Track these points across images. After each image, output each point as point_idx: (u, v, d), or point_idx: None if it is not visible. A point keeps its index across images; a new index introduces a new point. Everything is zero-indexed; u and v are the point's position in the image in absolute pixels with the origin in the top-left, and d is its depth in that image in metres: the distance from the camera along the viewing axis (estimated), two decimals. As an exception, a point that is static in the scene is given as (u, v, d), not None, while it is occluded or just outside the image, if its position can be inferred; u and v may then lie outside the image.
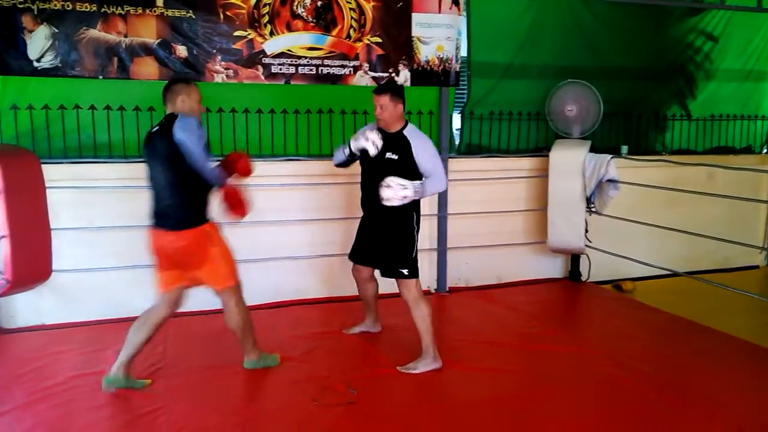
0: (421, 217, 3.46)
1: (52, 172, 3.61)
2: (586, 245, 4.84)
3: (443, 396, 3.14)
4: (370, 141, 3.26)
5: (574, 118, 4.88)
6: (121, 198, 3.97)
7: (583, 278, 5.18)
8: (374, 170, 3.30)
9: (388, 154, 3.28)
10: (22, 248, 3.32)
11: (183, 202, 2.99)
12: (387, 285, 3.61)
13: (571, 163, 4.72)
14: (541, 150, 5.16)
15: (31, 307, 3.97)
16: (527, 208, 5.11)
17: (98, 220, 4.01)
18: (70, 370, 3.30)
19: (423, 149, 3.28)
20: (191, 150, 2.85)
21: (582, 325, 4.44)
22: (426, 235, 4.84)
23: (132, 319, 3.16)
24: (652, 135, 5.77)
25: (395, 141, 3.30)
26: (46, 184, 3.43)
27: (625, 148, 5.31)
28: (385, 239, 3.41)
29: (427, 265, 4.88)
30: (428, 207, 4.79)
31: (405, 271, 3.35)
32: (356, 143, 3.33)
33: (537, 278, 5.21)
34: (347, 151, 3.41)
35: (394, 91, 3.34)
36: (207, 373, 3.28)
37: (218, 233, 3.12)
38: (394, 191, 3.15)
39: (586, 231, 4.79)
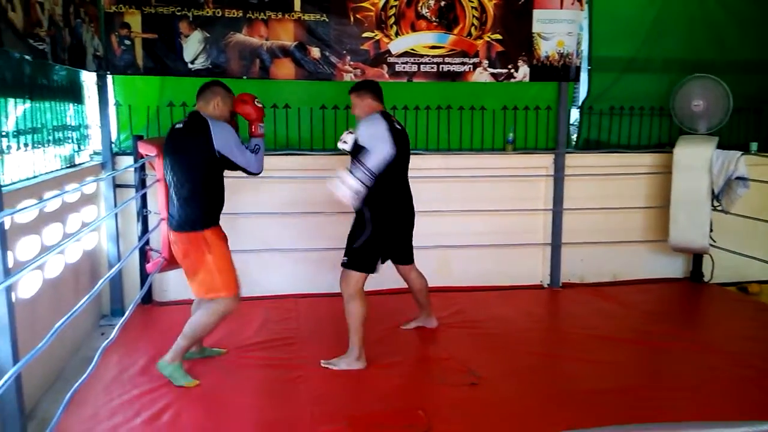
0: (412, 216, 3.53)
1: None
2: (710, 245, 4.68)
3: (561, 384, 3.20)
4: (341, 141, 3.36)
5: (701, 114, 4.73)
6: (256, 188, 4.33)
7: (706, 279, 5.01)
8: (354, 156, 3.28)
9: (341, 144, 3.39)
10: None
11: (190, 204, 2.97)
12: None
13: (697, 159, 4.58)
14: (663, 146, 5.04)
15: (182, 283, 4.42)
16: (647, 205, 5.01)
17: (235, 207, 4.40)
18: (213, 342, 3.68)
19: (362, 128, 3.25)
20: (238, 160, 2.98)
21: (704, 325, 4.33)
22: (540, 230, 4.89)
23: (266, 297, 3.46)
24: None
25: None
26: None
27: (754, 145, 5.05)
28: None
29: (540, 259, 4.93)
30: (543, 202, 4.85)
31: (345, 259, 3.30)
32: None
33: (655, 277, 5.09)
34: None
35: (358, 88, 3.41)
36: (336, 349, 3.55)
37: (219, 241, 3.06)
38: (338, 188, 3.07)
39: (711, 230, 4.64)
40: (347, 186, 3.05)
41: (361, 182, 3.05)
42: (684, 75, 4.81)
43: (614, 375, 3.28)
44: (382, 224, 3.30)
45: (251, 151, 3.04)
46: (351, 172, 3.08)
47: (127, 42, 3.95)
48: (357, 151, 3.20)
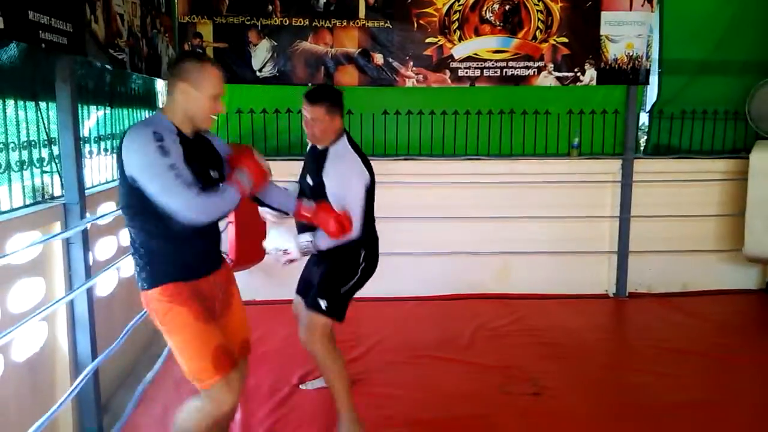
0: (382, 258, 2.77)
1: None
2: (790, 255, 4.44)
3: (628, 397, 3.11)
4: (286, 253, 2.60)
5: (780, 118, 4.50)
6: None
7: (784, 292, 4.75)
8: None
9: (308, 178, 2.65)
10: (244, 233, 3.86)
11: (135, 247, 2.01)
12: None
13: (775, 165, 4.36)
14: (739, 151, 4.81)
15: (245, 285, 4.54)
16: (720, 213, 4.79)
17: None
18: (279, 341, 3.77)
19: (334, 171, 2.54)
20: (159, 197, 1.83)
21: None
22: (606, 237, 4.77)
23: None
24: None
25: (319, 160, 2.60)
26: (264, 178, 3.94)
27: (839, 151, 4.76)
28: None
29: (606, 267, 4.80)
30: (609, 209, 4.72)
31: (324, 303, 2.60)
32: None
33: (728, 288, 4.86)
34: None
35: (325, 99, 2.58)
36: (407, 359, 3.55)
37: (171, 309, 1.96)
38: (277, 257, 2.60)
39: (791, 240, 4.40)
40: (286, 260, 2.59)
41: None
42: (761, 78, 4.58)
43: (684, 390, 3.15)
44: (372, 265, 2.74)
45: (189, 187, 1.83)
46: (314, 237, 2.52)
47: (200, 51, 4.10)
48: (319, 193, 2.54)
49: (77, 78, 2.70)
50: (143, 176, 1.83)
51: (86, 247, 2.61)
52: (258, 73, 4.18)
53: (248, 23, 4.12)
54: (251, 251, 4.01)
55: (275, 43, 4.15)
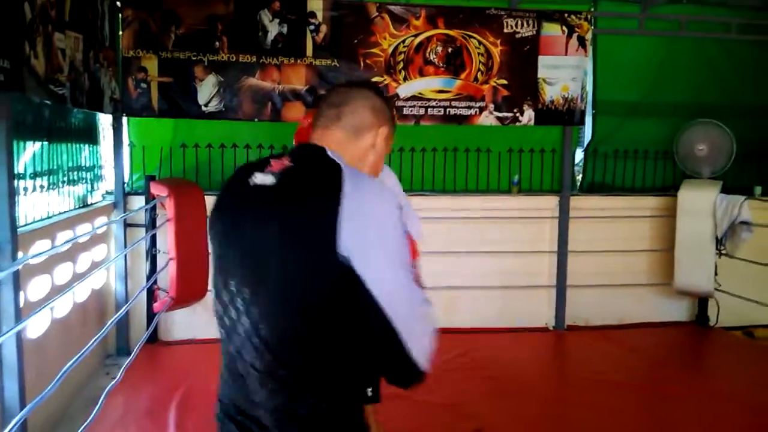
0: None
1: (212, 203, 4.08)
2: (716, 288, 4.68)
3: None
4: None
5: (705, 158, 4.79)
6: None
7: (711, 323, 4.99)
8: None
9: None
10: (186, 270, 3.79)
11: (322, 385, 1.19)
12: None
13: (701, 203, 4.62)
14: (668, 189, 5.09)
15: (186, 323, 4.45)
16: (652, 248, 5.03)
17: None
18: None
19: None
20: (385, 293, 1.12)
21: (711, 371, 4.30)
22: (545, 271, 4.91)
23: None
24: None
25: None
26: (207, 214, 3.90)
27: (758, 189, 5.10)
28: None
29: (546, 301, 4.94)
30: (548, 244, 4.87)
31: None
32: None
33: (661, 321, 5.08)
34: None
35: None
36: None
37: None
38: None
39: (716, 273, 4.65)
40: None
41: None
42: (688, 119, 4.89)
43: (621, 424, 3.26)
44: None
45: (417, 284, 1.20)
46: None
47: (144, 85, 4.06)
48: None
49: (15, 113, 2.63)
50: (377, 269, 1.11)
51: (17, 288, 2.51)
52: (203, 108, 4.16)
53: (194, 58, 4.11)
54: (193, 288, 3.95)
55: (221, 79, 4.15)
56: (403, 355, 1.13)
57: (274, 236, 1.15)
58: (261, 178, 1.21)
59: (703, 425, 3.23)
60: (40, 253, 2.54)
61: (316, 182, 1.16)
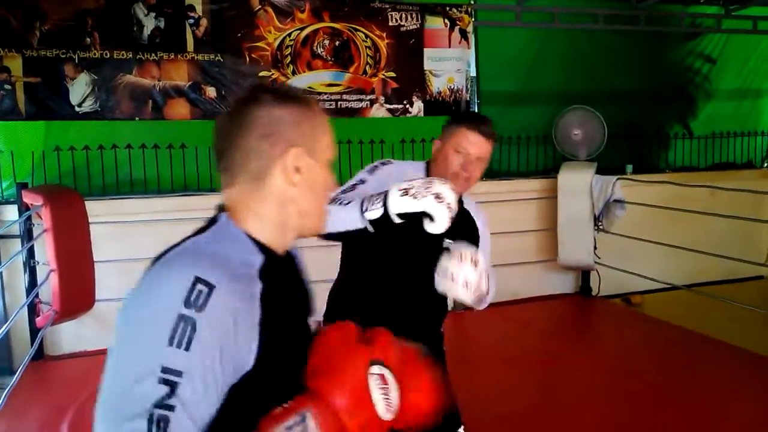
0: None
1: (93, 208, 3.87)
2: (596, 262, 5.05)
3: (469, 411, 3.34)
4: (445, 205, 1.43)
5: (580, 142, 5.13)
6: (155, 231, 4.22)
7: (594, 293, 5.39)
8: (410, 260, 1.79)
9: (447, 241, 1.73)
10: (69, 281, 3.59)
11: None
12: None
13: (578, 184, 4.95)
14: (549, 172, 5.40)
15: (74, 335, 4.21)
16: (538, 228, 5.33)
17: (135, 251, 4.26)
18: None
19: (487, 238, 2.04)
20: None
21: (594, 339, 4.65)
22: (442, 257, 5.08)
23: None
24: (655, 154, 6.00)
25: (460, 219, 1.76)
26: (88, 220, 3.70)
27: (629, 167, 5.54)
28: None
29: (443, 284, 5.12)
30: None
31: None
32: (412, 203, 1.44)
33: (550, 293, 5.42)
34: (373, 212, 1.49)
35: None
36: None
37: None
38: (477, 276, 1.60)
39: (595, 248, 5.01)
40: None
41: None
42: (564, 106, 5.20)
43: (517, 397, 3.46)
44: None
45: None
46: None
47: (7, 86, 3.76)
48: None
49: None
50: None
51: None
52: (77, 108, 3.93)
53: (63, 56, 3.85)
54: (78, 299, 3.74)
55: (95, 77, 3.93)
56: None
57: None
58: None
59: (586, 397, 3.49)
60: None
61: None
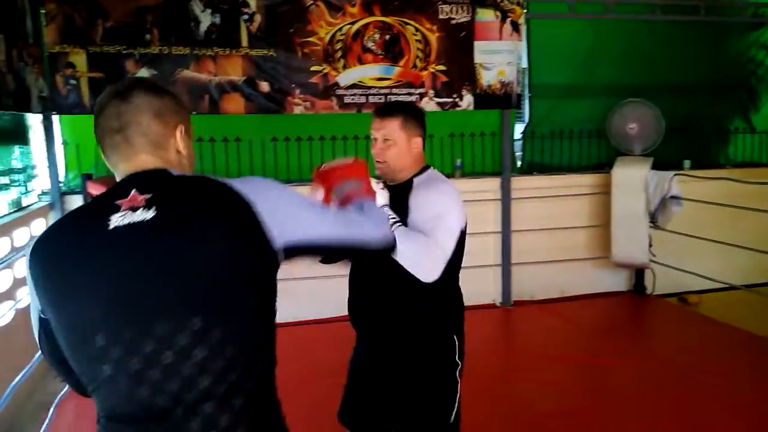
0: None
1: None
2: (651, 259, 4.92)
3: (513, 407, 3.32)
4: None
5: (636, 136, 4.99)
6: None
7: (648, 291, 5.25)
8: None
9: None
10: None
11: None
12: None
13: (633, 180, 4.83)
14: (603, 166, 5.28)
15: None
16: (590, 224, 5.23)
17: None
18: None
19: (425, 198, 1.88)
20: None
21: (648, 338, 4.54)
22: (491, 250, 5.05)
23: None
24: (715, 149, 5.79)
25: (400, 196, 1.90)
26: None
27: (687, 163, 5.36)
28: (406, 388, 1.94)
29: (492, 279, 5.08)
30: (492, 224, 5.00)
31: None
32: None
33: (601, 291, 5.31)
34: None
35: (412, 113, 1.99)
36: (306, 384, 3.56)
37: None
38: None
39: (650, 245, 4.88)
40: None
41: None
42: (619, 99, 5.07)
43: (564, 396, 3.41)
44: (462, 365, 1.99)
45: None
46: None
47: (73, 81, 3.93)
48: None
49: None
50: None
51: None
52: (138, 104, 4.06)
53: (125, 52, 4.00)
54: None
55: (155, 72, 4.05)
56: (373, 250, 1.27)
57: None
58: (128, 218, 1.06)
59: (637, 395, 3.41)
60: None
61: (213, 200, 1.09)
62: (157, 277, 1.02)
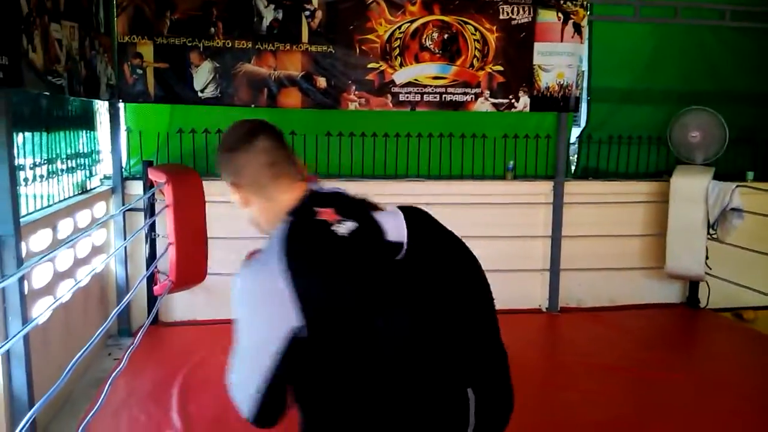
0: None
1: (210, 188, 4.13)
2: (706, 273, 4.77)
3: (556, 415, 3.29)
4: None
5: (698, 145, 4.84)
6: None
7: (702, 305, 5.09)
8: None
9: None
10: (185, 254, 3.85)
11: None
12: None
13: (693, 189, 4.69)
14: (661, 174, 5.14)
15: (187, 304, 4.53)
16: (644, 233, 5.10)
17: (243, 231, 4.50)
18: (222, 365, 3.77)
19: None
20: None
21: (699, 353, 4.41)
22: (539, 255, 4.99)
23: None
24: (781, 161, 5.55)
25: None
26: (204, 198, 3.95)
27: (750, 174, 5.16)
28: None
29: (539, 283, 5.03)
30: (542, 228, 4.94)
31: None
32: None
33: (652, 302, 5.18)
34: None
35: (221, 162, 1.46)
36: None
37: None
38: None
39: (707, 258, 4.73)
40: None
41: None
42: (681, 106, 4.92)
43: (606, 407, 3.36)
44: None
45: None
46: None
47: (139, 71, 4.07)
48: None
49: (13, 105, 2.66)
50: None
51: (21, 279, 2.57)
52: (200, 94, 4.18)
53: (190, 44, 4.11)
54: (192, 272, 4.02)
55: (217, 65, 4.16)
56: None
57: None
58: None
59: (684, 410, 3.33)
60: (43, 257, 2.58)
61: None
62: None
